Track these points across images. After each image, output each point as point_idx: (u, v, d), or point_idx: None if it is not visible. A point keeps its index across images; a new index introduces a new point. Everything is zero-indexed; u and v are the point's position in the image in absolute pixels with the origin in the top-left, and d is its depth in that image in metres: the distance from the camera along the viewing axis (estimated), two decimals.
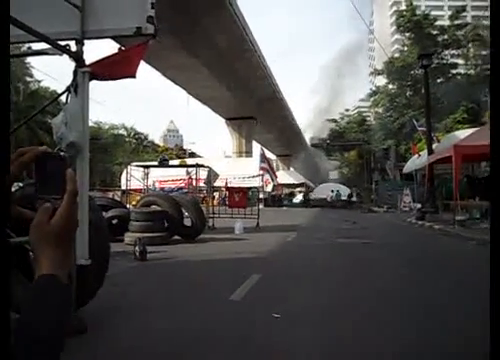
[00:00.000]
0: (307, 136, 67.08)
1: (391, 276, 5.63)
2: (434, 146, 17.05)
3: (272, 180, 15.42)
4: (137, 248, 6.81)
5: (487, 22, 38.05)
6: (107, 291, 3.72)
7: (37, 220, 0.63)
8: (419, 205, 19.69)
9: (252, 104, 37.39)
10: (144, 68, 26.36)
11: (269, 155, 54.41)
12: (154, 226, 8.97)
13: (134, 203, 13.11)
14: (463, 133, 16.35)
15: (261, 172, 16.65)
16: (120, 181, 23.60)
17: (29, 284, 2.97)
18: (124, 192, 17.29)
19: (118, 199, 16.22)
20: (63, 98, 3.09)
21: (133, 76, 3.11)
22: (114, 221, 9.55)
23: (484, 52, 34.44)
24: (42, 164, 0.66)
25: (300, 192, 41.90)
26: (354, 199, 33.20)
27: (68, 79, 2.98)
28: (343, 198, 33.25)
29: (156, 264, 6.64)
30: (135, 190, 16.21)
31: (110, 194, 21.33)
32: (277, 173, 35.20)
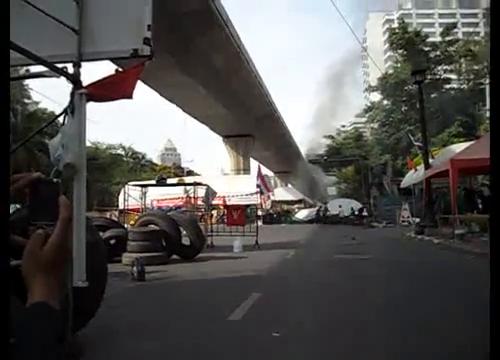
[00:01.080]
0: (304, 152, 67.42)
1: (389, 292, 5.57)
2: (430, 161, 17.14)
3: (261, 193, 15.35)
4: (135, 268, 6.74)
5: (478, 38, 38.89)
6: (105, 313, 3.67)
7: (30, 247, 0.63)
8: (418, 219, 19.68)
9: (249, 122, 37.68)
10: (141, 88, 26.64)
11: (267, 172, 54.58)
12: (152, 246, 8.89)
13: (132, 223, 13.06)
14: (459, 147, 16.46)
15: (258, 189, 16.65)
16: (118, 201, 23.54)
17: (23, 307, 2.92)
18: (121, 212, 17.23)
19: (116, 219, 16.15)
20: (61, 119, 3.11)
21: (130, 97, 3.13)
22: (112, 241, 9.49)
23: (476, 67, 35.04)
24: (35, 190, 0.66)
25: (299, 208, 41.83)
26: (365, 213, 31.18)
27: (65, 100, 3.01)
28: (356, 213, 30.94)
29: (154, 284, 6.56)
30: (133, 209, 16.14)
31: (107, 214, 21.26)
32: (275, 190, 35.26)
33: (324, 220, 31.59)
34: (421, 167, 19.06)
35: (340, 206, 33.02)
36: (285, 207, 41.76)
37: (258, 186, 14.70)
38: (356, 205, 32.55)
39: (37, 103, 37.08)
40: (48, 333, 0.59)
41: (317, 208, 35.79)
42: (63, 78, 2.91)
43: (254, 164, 35.56)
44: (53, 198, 0.66)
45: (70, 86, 2.95)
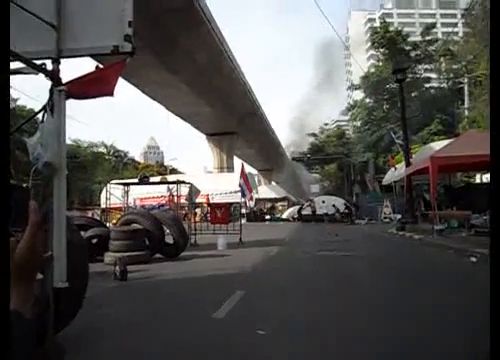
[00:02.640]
0: (287, 150, 67.70)
1: (373, 288, 5.66)
2: (412, 159, 17.42)
3: (243, 195, 15.24)
4: (117, 268, 6.66)
5: (457, 38, 39.64)
6: (87, 313, 3.62)
7: None
8: (399, 216, 20.02)
9: (232, 120, 37.62)
10: (123, 85, 26.31)
11: (250, 170, 54.63)
12: (135, 245, 8.81)
13: (114, 221, 12.90)
14: (438, 144, 16.78)
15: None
16: (100, 199, 23.22)
17: None
18: (104, 210, 17.01)
19: (97, 218, 15.94)
20: (40, 117, 3.04)
21: (111, 94, 3.09)
22: (94, 240, 9.36)
23: (455, 66, 35.74)
24: None
25: (282, 206, 41.98)
26: (351, 209, 30.17)
27: (44, 97, 2.95)
28: (341, 211, 30.11)
29: (137, 284, 6.50)
30: (115, 208, 15.96)
31: (89, 213, 20.95)
32: (259, 188, 35.28)
33: (306, 218, 31.05)
34: (402, 165, 19.38)
35: (323, 202, 32.46)
36: (269, 205, 41.86)
37: (240, 186, 14.65)
38: (339, 202, 32.08)
39: (15, 100, 36.23)
40: (20, 343, 0.58)
41: (299, 206, 35.19)
42: (42, 75, 2.85)
43: (238, 162, 35.43)
44: (23, 203, 0.65)
45: (49, 82, 2.90)
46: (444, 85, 38.36)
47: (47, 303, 2.83)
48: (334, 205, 30.90)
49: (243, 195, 15.22)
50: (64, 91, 2.83)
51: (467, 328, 3.36)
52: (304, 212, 32.36)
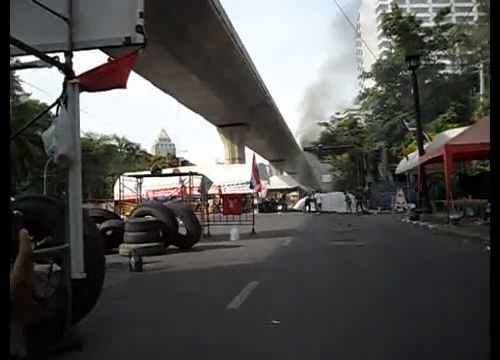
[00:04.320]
0: (299, 140, 67.37)
1: (387, 280, 5.62)
2: (426, 146, 17.18)
3: (251, 187, 15.22)
4: (132, 259, 6.74)
5: (471, 22, 38.70)
6: (103, 304, 3.67)
7: None
8: (413, 205, 19.81)
9: (243, 111, 37.49)
10: (134, 78, 26.36)
11: (262, 160, 54.53)
12: (149, 236, 8.90)
13: (128, 214, 13.02)
14: (453, 132, 16.48)
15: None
16: (113, 192, 23.46)
17: None
18: (117, 203, 17.18)
19: (111, 210, 16.11)
20: (53, 111, 3.07)
21: (123, 86, 3.09)
22: (108, 232, 9.47)
23: (470, 52, 34.95)
24: None
25: (294, 197, 41.83)
26: (364, 209, 26.80)
27: (58, 91, 2.96)
28: (359, 210, 26.61)
29: (152, 275, 6.57)
30: (128, 200, 16.10)
31: (103, 205, 21.21)
32: (270, 178, 35.23)
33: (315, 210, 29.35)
34: (412, 155, 19.12)
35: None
36: (280, 195, 41.76)
37: (251, 176, 14.68)
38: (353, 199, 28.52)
39: (28, 95, 36.61)
40: None
41: (306, 198, 33.09)
42: (55, 68, 2.86)
43: (249, 153, 35.33)
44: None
45: (62, 76, 2.91)
46: (458, 71, 37.60)
47: (66, 294, 2.87)
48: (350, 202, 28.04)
49: (251, 187, 15.24)
50: (77, 84, 2.84)
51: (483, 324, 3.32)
52: (312, 208, 30.32)
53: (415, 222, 14.63)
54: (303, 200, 34.81)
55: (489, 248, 7.54)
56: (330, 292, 4.89)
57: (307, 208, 31.17)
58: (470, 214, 12.53)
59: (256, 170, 15.24)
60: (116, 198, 18.03)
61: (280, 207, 35.19)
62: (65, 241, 2.88)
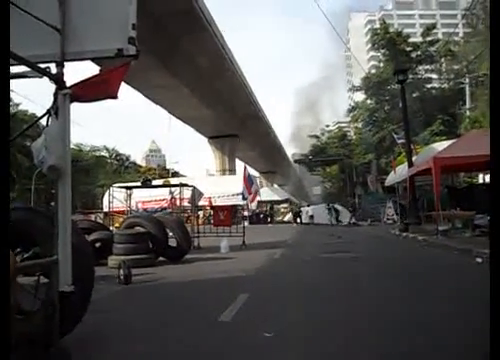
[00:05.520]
0: (289, 152, 67.73)
1: (379, 291, 5.62)
2: (414, 158, 17.38)
3: (244, 198, 15.19)
4: (121, 271, 6.65)
5: (457, 38, 39.64)
6: (91, 317, 3.60)
7: None
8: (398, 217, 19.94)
9: (234, 122, 37.66)
10: (125, 89, 26.36)
11: (253, 172, 54.58)
12: (138, 248, 8.80)
13: (117, 225, 12.90)
14: (441, 145, 16.73)
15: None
16: (102, 203, 23.26)
17: None
18: (106, 214, 17.01)
19: (101, 221, 15.94)
20: (43, 121, 3.04)
21: (115, 97, 3.09)
22: (97, 244, 9.35)
23: (456, 66, 35.69)
24: None
25: (285, 208, 41.90)
26: (353, 220, 27.44)
27: (48, 100, 2.95)
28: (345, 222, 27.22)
29: (141, 287, 6.49)
30: (118, 212, 15.96)
31: (92, 216, 20.95)
32: (261, 190, 35.21)
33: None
34: (401, 167, 19.34)
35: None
36: (269, 206, 41.76)
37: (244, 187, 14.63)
38: (345, 213, 29.49)
39: (18, 105, 36.37)
40: None
41: (295, 210, 33.84)
42: (46, 78, 2.85)
43: (240, 164, 35.38)
44: None
45: (53, 86, 2.89)
46: (445, 85, 38.32)
47: (53, 307, 2.81)
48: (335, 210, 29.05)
49: (243, 198, 15.20)
50: (68, 94, 2.83)
51: (474, 333, 3.32)
52: (304, 221, 31.02)
53: (405, 234, 14.71)
54: (293, 212, 35.00)
55: (480, 260, 7.60)
56: (322, 304, 4.87)
57: (298, 220, 31.39)
58: (458, 226, 12.65)
59: (250, 180, 15.20)
60: (105, 209, 17.87)
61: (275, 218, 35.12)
62: (53, 253, 2.83)
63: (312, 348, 3.29)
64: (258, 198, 30.18)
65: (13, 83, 2.85)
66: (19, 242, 3.49)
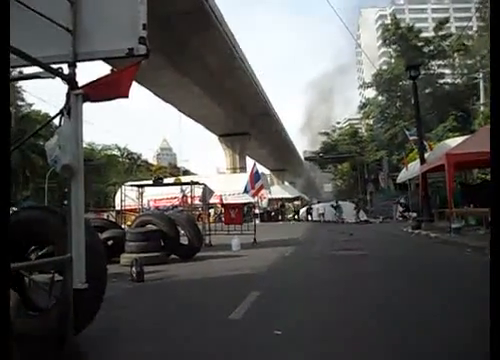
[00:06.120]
0: (300, 150, 67.52)
1: (389, 289, 5.58)
2: (426, 155, 17.20)
3: (245, 191, 15.27)
4: (134, 269, 6.72)
5: (471, 32, 38.99)
6: (104, 315, 3.65)
7: None
8: (414, 214, 19.75)
9: (245, 120, 37.65)
10: (136, 88, 26.55)
11: (263, 170, 54.59)
12: (150, 246, 8.87)
13: (129, 223, 13.01)
14: (454, 141, 16.51)
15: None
16: (114, 201, 23.49)
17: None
18: (119, 212, 17.18)
19: (113, 220, 16.11)
20: (55, 121, 3.09)
21: (126, 96, 3.12)
22: (109, 242, 9.45)
23: (469, 61, 35.15)
24: None
25: (297, 206, 41.78)
26: (364, 217, 26.55)
27: (60, 101, 2.99)
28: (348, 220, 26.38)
29: (153, 285, 6.54)
30: (130, 210, 16.11)
31: (105, 215, 21.18)
32: (271, 187, 35.19)
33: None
34: (415, 163, 19.14)
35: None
36: (279, 204, 41.71)
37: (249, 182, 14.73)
38: (350, 207, 28.48)
39: (31, 105, 36.91)
40: None
41: (307, 207, 33.80)
42: (58, 79, 2.89)
43: (250, 162, 35.38)
44: None
45: (65, 86, 2.94)
46: (458, 81, 37.79)
47: (67, 304, 2.86)
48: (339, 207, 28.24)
49: (245, 191, 15.26)
50: (81, 94, 2.86)
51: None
52: (315, 218, 30.85)
53: (417, 231, 14.58)
54: (304, 209, 34.98)
55: None
56: (333, 302, 4.86)
57: (309, 217, 31.40)
58: (472, 223, 12.49)
59: (258, 176, 15.21)
60: (117, 208, 18.04)
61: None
62: (67, 251, 2.87)
63: (321, 347, 3.28)
64: (269, 195, 30.25)
65: (26, 84, 2.90)
66: (34, 241, 3.56)
